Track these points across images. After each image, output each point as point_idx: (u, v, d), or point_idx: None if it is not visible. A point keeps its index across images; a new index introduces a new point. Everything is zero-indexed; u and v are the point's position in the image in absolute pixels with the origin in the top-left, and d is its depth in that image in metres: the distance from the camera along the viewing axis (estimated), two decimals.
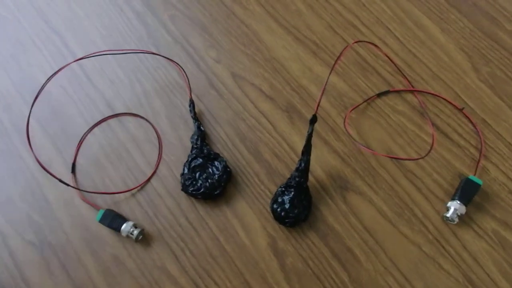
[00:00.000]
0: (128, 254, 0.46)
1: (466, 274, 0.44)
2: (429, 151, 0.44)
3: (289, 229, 0.46)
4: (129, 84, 0.54)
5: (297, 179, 0.45)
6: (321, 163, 0.49)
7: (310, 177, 0.48)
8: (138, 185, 0.48)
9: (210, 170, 0.47)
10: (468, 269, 0.44)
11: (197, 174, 0.47)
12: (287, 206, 0.45)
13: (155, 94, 0.53)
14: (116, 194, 0.48)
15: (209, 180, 0.47)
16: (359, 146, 0.47)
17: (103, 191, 0.48)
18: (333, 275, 0.44)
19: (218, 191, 0.46)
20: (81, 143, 0.51)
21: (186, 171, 0.47)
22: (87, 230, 0.46)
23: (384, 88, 0.52)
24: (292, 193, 0.45)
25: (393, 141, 0.49)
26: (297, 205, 0.45)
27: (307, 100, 0.52)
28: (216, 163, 0.47)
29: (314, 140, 0.49)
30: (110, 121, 0.52)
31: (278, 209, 0.45)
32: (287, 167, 0.49)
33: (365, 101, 0.51)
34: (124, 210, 0.47)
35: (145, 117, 0.52)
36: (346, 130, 0.48)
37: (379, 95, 0.51)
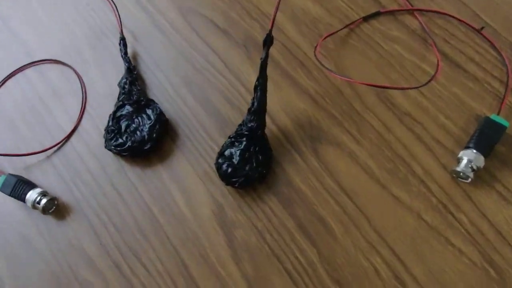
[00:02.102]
0: (38, 232, 0.40)
1: (485, 253, 0.36)
2: (430, 79, 0.36)
3: (241, 193, 0.39)
4: (51, 24, 0.49)
5: (249, 124, 0.38)
6: (286, 108, 0.42)
7: (272, 126, 0.41)
8: (54, 144, 0.43)
9: (139, 119, 0.41)
10: (488, 245, 0.36)
11: (123, 126, 0.41)
12: (235, 160, 0.38)
13: (83, 37, 0.48)
14: (25, 157, 0.43)
15: (138, 132, 0.40)
16: (330, 73, 0.39)
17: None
18: (297, 253, 0.37)
19: (148, 146, 0.40)
20: None
21: (110, 123, 0.41)
22: None
23: (374, 10, 0.44)
24: (244, 143, 0.38)
25: (384, 76, 0.42)
26: (249, 159, 0.38)
27: None
28: (148, 110, 0.41)
29: (278, 79, 0.42)
30: (27, 70, 0.47)
31: (224, 165, 0.38)
32: (242, 115, 0.42)
33: (347, 26, 0.43)
34: (35, 177, 0.42)
35: (69, 64, 0.47)
36: (316, 57, 0.40)
37: (366, 18, 0.44)
